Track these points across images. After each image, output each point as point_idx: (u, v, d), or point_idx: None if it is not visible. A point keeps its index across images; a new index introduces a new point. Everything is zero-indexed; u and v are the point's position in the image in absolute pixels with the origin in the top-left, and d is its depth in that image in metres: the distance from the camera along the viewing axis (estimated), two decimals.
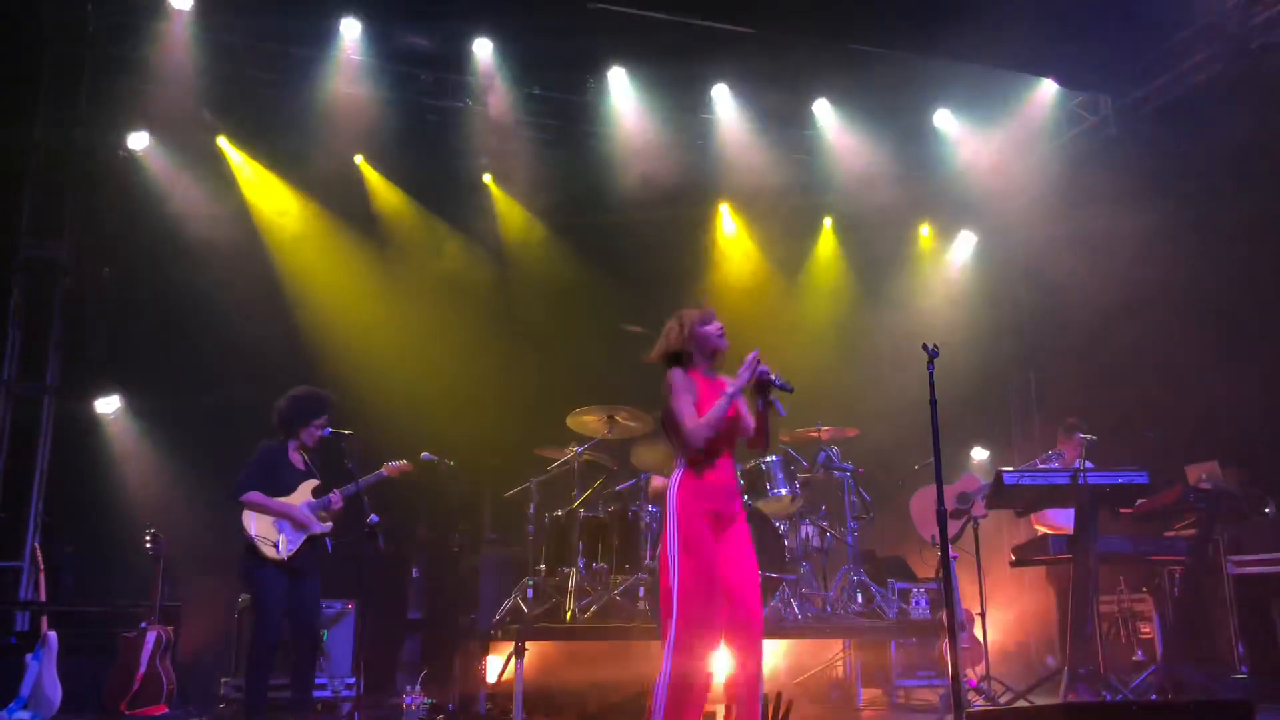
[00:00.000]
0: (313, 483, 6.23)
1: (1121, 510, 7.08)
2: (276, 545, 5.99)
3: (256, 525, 6.02)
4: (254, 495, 6.05)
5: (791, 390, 4.62)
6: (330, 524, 6.20)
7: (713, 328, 4.70)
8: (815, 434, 7.98)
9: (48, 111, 8.37)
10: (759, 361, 4.55)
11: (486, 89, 9.36)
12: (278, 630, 6.00)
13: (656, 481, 7.74)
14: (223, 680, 7.15)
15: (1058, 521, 7.58)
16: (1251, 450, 7.67)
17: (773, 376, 4.59)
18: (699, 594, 4.38)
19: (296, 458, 6.27)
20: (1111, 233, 9.03)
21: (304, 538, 6.07)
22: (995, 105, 9.92)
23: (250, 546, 5.98)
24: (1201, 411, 8.12)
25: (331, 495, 6.19)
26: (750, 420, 4.69)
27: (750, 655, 4.44)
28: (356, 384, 8.43)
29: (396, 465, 6.40)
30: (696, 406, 4.53)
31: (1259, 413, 7.89)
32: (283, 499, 6.10)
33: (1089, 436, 7.31)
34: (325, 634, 7.35)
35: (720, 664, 4.49)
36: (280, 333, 8.66)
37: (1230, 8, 8.33)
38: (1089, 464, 7.13)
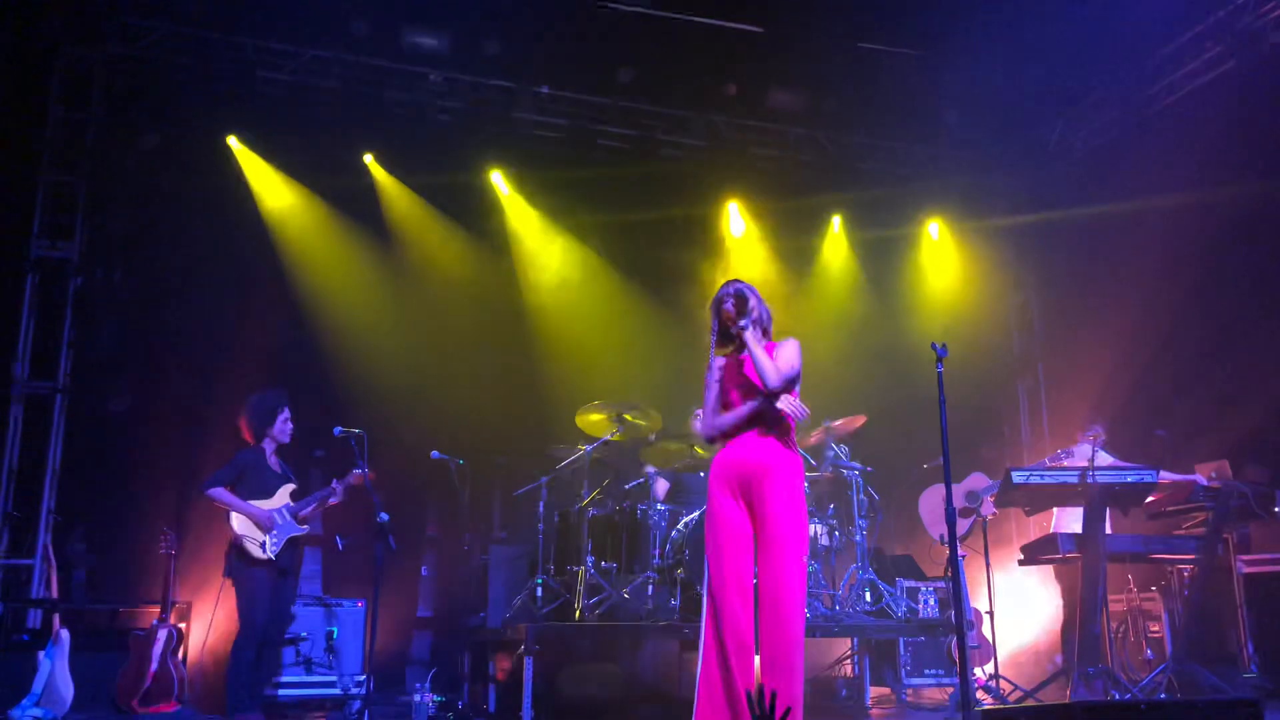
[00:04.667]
0: (290, 486, 6.42)
1: (1130, 508, 7.07)
2: (263, 545, 6.12)
3: (242, 525, 6.13)
4: (218, 491, 6.21)
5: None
6: (307, 527, 6.38)
7: (726, 307, 4.68)
8: (822, 431, 7.97)
9: (59, 112, 8.41)
10: None
11: (496, 88, 9.38)
12: (262, 630, 6.14)
13: (664, 482, 7.76)
14: None
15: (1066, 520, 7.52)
16: (1270, 447, 7.63)
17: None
18: (713, 568, 4.47)
19: (275, 461, 6.46)
20: (1121, 229, 9.00)
21: (286, 539, 6.23)
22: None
23: (238, 547, 6.10)
24: (1214, 410, 8.08)
25: (334, 485, 6.37)
26: (754, 374, 4.62)
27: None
28: (366, 383, 8.48)
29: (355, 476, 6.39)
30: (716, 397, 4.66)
31: (1275, 409, 7.84)
32: (259, 502, 6.23)
33: (1100, 436, 7.28)
34: (335, 631, 7.41)
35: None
36: (290, 332, 8.69)
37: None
38: (1112, 458, 7.13)
